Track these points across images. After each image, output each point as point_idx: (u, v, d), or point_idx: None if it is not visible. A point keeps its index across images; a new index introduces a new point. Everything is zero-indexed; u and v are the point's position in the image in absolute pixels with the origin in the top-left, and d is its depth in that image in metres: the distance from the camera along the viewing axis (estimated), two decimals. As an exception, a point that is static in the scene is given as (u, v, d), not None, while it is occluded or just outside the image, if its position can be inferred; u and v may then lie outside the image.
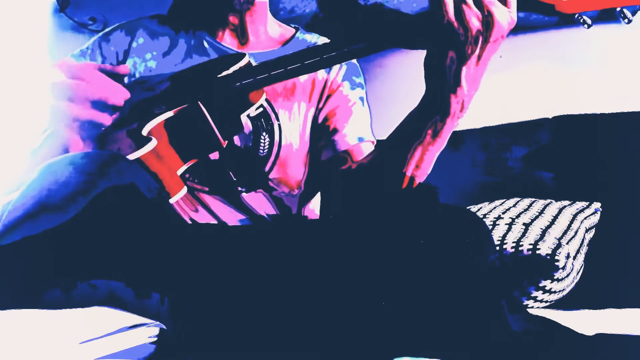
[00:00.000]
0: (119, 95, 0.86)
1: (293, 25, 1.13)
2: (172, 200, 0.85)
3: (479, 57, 0.76)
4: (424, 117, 0.80)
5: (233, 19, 1.04)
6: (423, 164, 0.81)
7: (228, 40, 1.05)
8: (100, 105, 0.85)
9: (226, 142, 0.90)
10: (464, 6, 0.74)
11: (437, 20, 0.76)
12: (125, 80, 1.01)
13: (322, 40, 1.11)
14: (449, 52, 0.76)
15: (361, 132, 1.04)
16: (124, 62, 1.04)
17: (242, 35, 1.06)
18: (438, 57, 0.78)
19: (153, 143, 0.84)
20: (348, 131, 1.03)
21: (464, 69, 0.76)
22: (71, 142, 0.84)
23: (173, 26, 1.07)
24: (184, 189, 0.87)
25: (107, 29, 1.09)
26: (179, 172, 0.88)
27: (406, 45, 0.82)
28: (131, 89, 0.91)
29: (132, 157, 0.81)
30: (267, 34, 1.08)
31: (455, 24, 0.75)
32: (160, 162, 0.85)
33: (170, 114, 0.87)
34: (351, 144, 1.02)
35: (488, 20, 0.74)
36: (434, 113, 0.79)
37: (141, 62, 1.04)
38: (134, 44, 1.05)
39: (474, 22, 0.74)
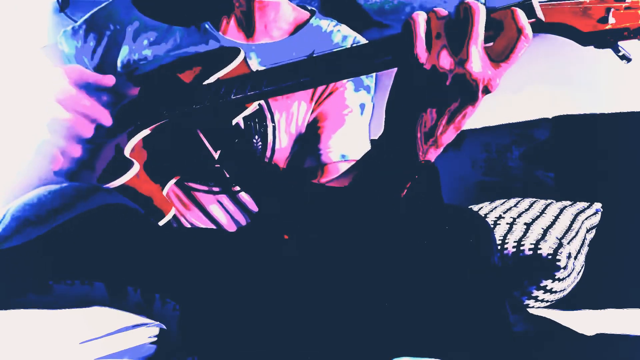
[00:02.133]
0: (99, 122, 0.81)
1: (310, 8, 1.03)
2: (161, 223, 0.81)
3: (444, 111, 0.66)
4: (380, 166, 0.73)
5: (245, 6, 0.95)
6: None
7: (233, 31, 0.98)
8: (76, 139, 0.81)
9: (218, 152, 0.86)
10: (442, 49, 0.64)
11: (405, 57, 0.66)
12: (119, 66, 0.96)
13: (339, 28, 1.02)
14: (412, 94, 0.67)
15: (346, 149, 0.96)
16: (118, 49, 0.97)
17: (248, 25, 0.97)
18: (399, 97, 0.69)
19: (135, 168, 0.79)
20: (333, 143, 0.95)
21: (422, 117, 0.67)
22: (54, 160, 0.81)
23: (172, 11, 0.99)
24: (173, 210, 0.83)
25: (100, 6, 1.02)
26: (165, 190, 0.84)
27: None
28: (124, 80, 0.87)
29: (114, 185, 0.77)
30: (277, 20, 0.98)
31: (421, 59, 0.65)
32: (147, 182, 0.81)
33: (148, 131, 0.82)
34: (333, 160, 0.95)
35: (459, 73, 0.63)
36: (390, 161, 0.71)
37: (136, 49, 0.97)
38: (129, 28, 0.98)
39: (444, 63, 0.64)
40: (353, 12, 1.94)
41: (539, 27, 0.66)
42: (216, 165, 0.95)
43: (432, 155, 0.69)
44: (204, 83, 0.82)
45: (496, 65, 0.64)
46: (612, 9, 0.65)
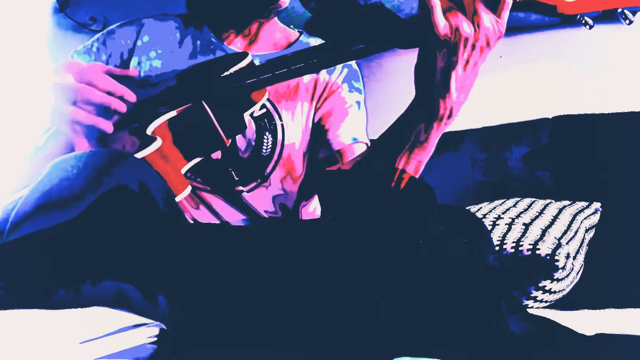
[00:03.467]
0: (126, 98, 0.85)
1: (298, 30, 1.13)
2: (177, 199, 0.84)
3: (467, 62, 0.77)
4: (412, 122, 0.81)
5: (253, 27, 1.04)
6: (409, 167, 0.81)
7: (239, 45, 1.06)
8: (104, 110, 0.84)
9: (229, 140, 0.90)
10: (453, 11, 0.75)
11: (426, 25, 0.76)
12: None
13: None
14: (438, 57, 0.77)
15: (356, 132, 1.05)
16: (128, 60, 1.04)
17: (252, 40, 1.06)
18: (427, 62, 0.79)
19: (158, 142, 0.83)
20: (342, 131, 1.04)
21: (453, 75, 0.77)
22: (77, 142, 0.84)
23: (180, 25, 1.06)
24: (189, 188, 0.87)
25: (112, 26, 1.08)
26: (182, 171, 0.88)
27: (402, 45, 0.82)
28: (135, 88, 0.90)
29: (137, 156, 0.80)
30: (274, 38, 1.09)
31: (440, 25, 0.76)
32: (165, 161, 0.84)
33: (174, 113, 0.86)
34: (345, 143, 1.03)
35: (475, 27, 0.76)
36: (421, 119, 0.80)
37: (146, 60, 1.04)
38: (139, 42, 1.05)
39: (464, 28, 0.75)
40: (352, 11, 1.94)
41: (515, 7, 0.78)
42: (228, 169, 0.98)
43: (459, 105, 0.79)
44: (221, 75, 0.89)
45: (498, 16, 0.77)
46: None
